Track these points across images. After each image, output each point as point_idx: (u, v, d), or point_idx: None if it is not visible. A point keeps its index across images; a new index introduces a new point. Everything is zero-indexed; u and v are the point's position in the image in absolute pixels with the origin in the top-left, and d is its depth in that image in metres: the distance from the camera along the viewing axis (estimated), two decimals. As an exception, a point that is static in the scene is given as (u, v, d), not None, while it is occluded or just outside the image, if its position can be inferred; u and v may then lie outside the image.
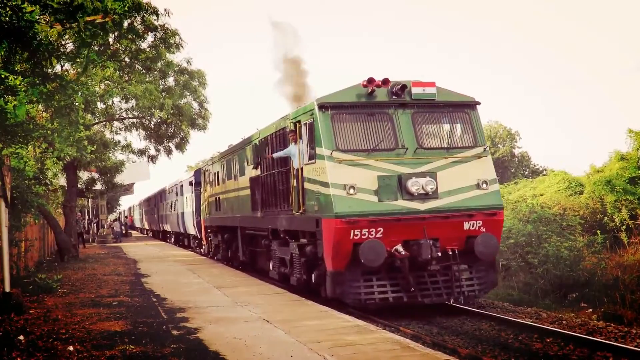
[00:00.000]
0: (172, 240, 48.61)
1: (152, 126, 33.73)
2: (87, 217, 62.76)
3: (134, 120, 33.65)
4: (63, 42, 13.60)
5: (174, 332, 11.29)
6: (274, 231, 18.19)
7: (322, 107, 14.11)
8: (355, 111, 14.33)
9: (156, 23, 32.25)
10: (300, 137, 15.29)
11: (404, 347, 9.58)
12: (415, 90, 14.42)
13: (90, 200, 58.56)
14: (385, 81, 14.41)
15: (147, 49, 31.48)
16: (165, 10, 31.71)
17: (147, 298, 16.22)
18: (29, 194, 17.53)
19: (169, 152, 35.36)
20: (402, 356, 8.99)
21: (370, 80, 14.22)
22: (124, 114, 33.37)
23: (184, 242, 42.85)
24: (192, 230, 36.16)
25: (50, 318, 13.23)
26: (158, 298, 16.07)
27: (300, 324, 11.62)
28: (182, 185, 39.25)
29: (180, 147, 35.03)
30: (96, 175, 37.93)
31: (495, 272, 15.26)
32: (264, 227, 19.19)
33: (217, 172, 26.87)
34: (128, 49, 29.29)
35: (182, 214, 39.01)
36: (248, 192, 20.94)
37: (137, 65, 30.60)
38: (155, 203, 56.92)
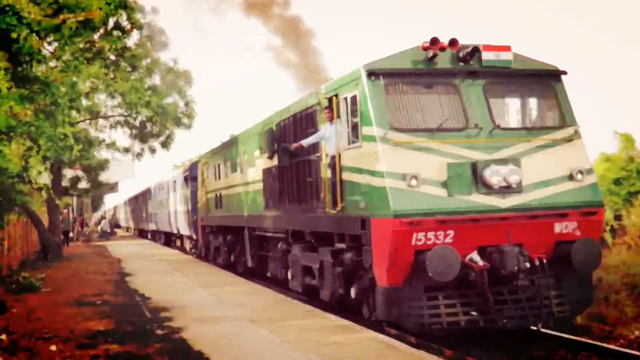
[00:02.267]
0: (162, 240, 46.35)
1: (137, 124, 33.79)
2: (71, 215, 62.51)
3: (119, 118, 33.66)
4: (47, 42, 13.58)
5: (158, 332, 11.30)
6: (296, 233, 14.98)
7: (372, 74, 10.75)
8: (413, 80, 10.99)
9: (142, 21, 32.39)
10: (339, 116, 12.04)
11: (389, 346, 9.62)
12: (486, 56, 11.12)
13: (75, 198, 58.29)
14: (453, 42, 11.00)
15: (133, 47, 31.60)
16: (152, 8, 32.16)
17: (131, 297, 16.22)
18: (12, 192, 17.45)
19: (153, 150, 35.37)
20: (386, 355, 9.03)
21: (434, 41, 10.83)
22: (109, 112, 33.41)
23: (175, 242, 40.21)
24: (185, 230, 33.13)
25: (33, 317, 13.22)
26: (142, 297, 16.07)
27: (285, 323, 11.65)
28: (174, 181, 36.50)
29: (165, 145, 35.15)
30: (81, 173, 37.77)
31: (591, 288, 11.60)
32: (282, 228, 15.99)
33: (219, 165, 23.27)
34: (114, 46, 29.32)
35: (175, 212, 36.01)
36: (259, 186, 17.59)
37: (122, 63, 30.73)
38: (143, 201, 56.62)
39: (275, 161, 15.89)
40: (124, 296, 16.43)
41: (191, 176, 29.26)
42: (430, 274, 9.57)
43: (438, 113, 10.83)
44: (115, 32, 27.83)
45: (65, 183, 37.03)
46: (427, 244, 9.90)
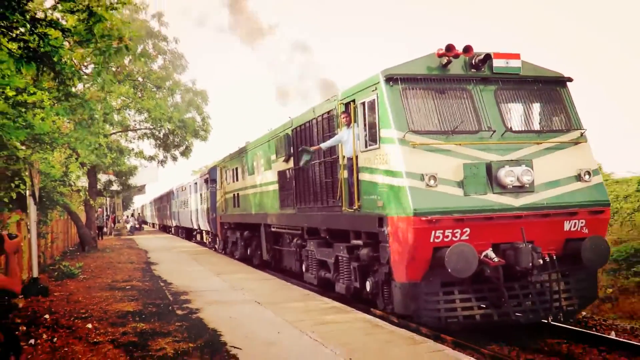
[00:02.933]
0: (184, 235, 45.34)
1: (161, 136, 34.03)
2: (105, 213, 62.51)
3: (146, 130, 33.88)
4: (85, 64, 13.60)
5: (178, 312, 11.32)
6: (311, 230, 14.15)
7: (390, 79, 9.98)
8: (429, 85, 10.15)
9: (166, 48, 32.79)
10: (356, 120, 11.18)
11: (374, 325, 9.66)
12: (497, 63, 10.46)
13: (108, 198, 58.32)
14: (467, 49, 10.28)
15: (158, 70, 31.98)
16: (174, 38, 32.56)
17: (155, 283, 16.22)
18: (55, 194, 17.50)
19: (175, 158, 35.56)
20: (372, 333, 9.07)
21: (449, 48, 10.12)
22: (137, 125, 33.61)
23: (196, 237, 39.44)
24: (205, 226, 31.94)
25: (72, 300, 13.24)
26: (165, 283, 16.07)
27: (287, 305, 11.68)
28: (195, 183, 35.43)
29: (185, 154, 35.46)
30: (113, 178, 38.03)
31: (596, 283, 10.81)
32: (297, 225, 15.01)
33: (236, 168, 22.27)
34: (141, 70, 29.64)
35: (196, 210, 34.93)
36: (275, 187, 16.69)
37: (148, 84, 31.07)
38: (166, 201, 56.54)
39: (290, 164, 15.17)
40: (150, 282, 16.44)
41: (211, 179, 28.37)
42: (449, 270, 8.77)
43: (452, 116, 10.07)
44: (142, 58, 28.07)
45: (99, 186, 37.14)
46: (444, 241, 9.18)
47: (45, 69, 8.29)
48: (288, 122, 15.41)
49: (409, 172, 9.41)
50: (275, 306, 11.56)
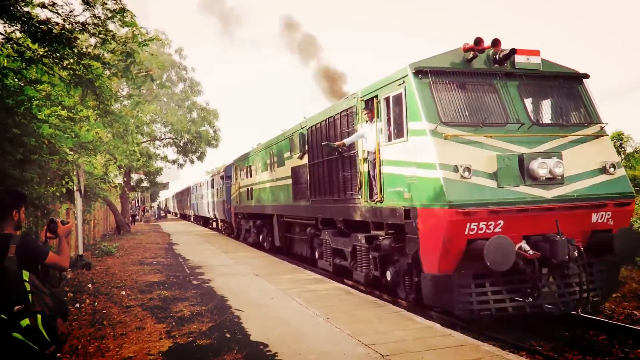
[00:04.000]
0: (201, 223, 42.63)
1: (182, 144, 34.49)
2: (137, 204, 62.07)
3: (169, 140, 34.23)
4: (121, 88, 13.49)
5: (194, 282, 11.27)
6: (325, 220, 12.14)
7: (419, 72, 8.16)
8: (456, 79, 8.37)
9: (185, 76, 33.11)
10: (378, 115, 9.28)
11: (347, 292, 9.66)
12: (518, 59, 8.74)
13: (139, 193, 57.92)
14: (496, 42, 8.56)
15: (179, 93, 32.38)
16: (192, 67, 33.19)
17: (176, 259, 16.13)
18: (97, 189, 17.38)
19: (192, 161, 35.95)
20: (345, 298, 9.09)
21: (478, 41, 8.36)
22: (162, 136, 33.89)
23: (212, 224, 37.18)
24: (221, 215, 29.76)
25: (110, 272, 13.13)
26: (184, 259, 15.98)
27: (279, 277, 11.64)
28: (212, 180, 32.95)
29: (200, 158, 36.20)
30: (143, 177, 37.92)
31: (618, 275, 8.85)
32: (311, 216, 12.95)
33: (250, 166, 20.18)
34: (166, 92, 29.84)
35: (213, 202, 32.58)
36: (288, 182, 14.64)
37: (171, 104, 31.43)
38: (186, 195, 56.22)
39: (305, 160, 13.12)
40: (171, 258, 16.35)
41: (226, 175, 26.75)
42: (488, 263, 6.95)
43: (480, 109, 8.28)
44: (167, 84, 28.26)
45: (132, 183, 37.05)
46: (478, 234, 7.41)
47: (89, 92, 8.24)
48: (303, 122, 13.41)
49: (442, 163, 7.55)
50: (269, 277, 11.54)
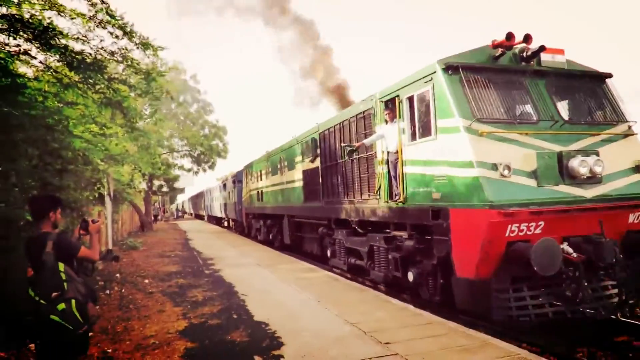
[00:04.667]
0: (214, 222, 40.35)
1: (195, 155, 34.61)
2: (158, 206, 61.85)
3: (185, 152, 34.38)
4: (145, 107, 13.49)
5: (206, 272, 11.26)
6: (338, 220, 10.70)
7: (450, 68, 6.82)
8: (487, 75, 6.94)
9: (199, 97, 33.31)
10: (400, 115, 7.80)
11: (335, 279, 9.67)
12: (544, 57, 7.37)
13: (160, 196, 57.78)
14: (527, 37, 7.12)
15: (193, 112, 32.51)
16: (204, 90, 33.49)
17: (191, 252, 16.09)
18: (124, 193, 17.33)
19: (204, 170, 36.10)
20: (334, 284, 9.09)
21: (510, 36, 6.99)
22: (179, 148, 34.13)
23: (223, 223, 35.14)
24: (233, 215, 28.28)
25: (135, 264, 13.09)
26: (197, 252, 15.95)
27: (278, 267, 11.64)
28: (224, 184, 31.34)
29: (211, 167, 36.30)
30: (163, 183, 37.93)
31: None
32: (323, 216, 11.55)
33: (260, 170, 18.75)
34: (183, 112, 29.95)
35: (225, 204, 31.16)
36: (299, 184, 13.30)
37: (187, 121, 31.51)
38: (199, 198, 55.97)
39: (316, 163, 11.78)
40: (187, 252, 16.31)
41: (237, 179, 25.46)
42: (535, 267, 5.62)
43: (512, 106, 6.87)
44: (184, 103, 28.25)
45: (154, 188, 37.04)
46: (518, 235, 5.95)
47: (117, 111, 8.27)
48: (314, 127, 12.00)
49: (480, 161, 6.13)
50: (270, 267, 11.55)
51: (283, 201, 15.22)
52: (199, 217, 59.83)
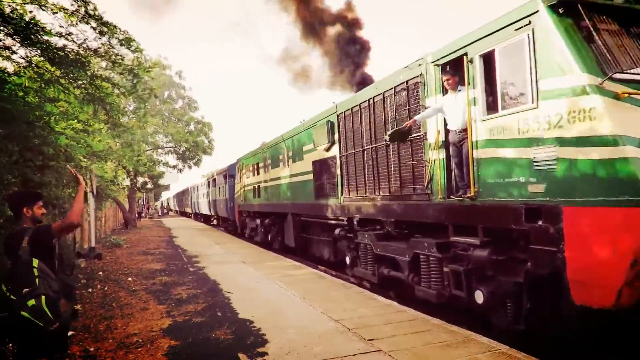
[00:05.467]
0: (202, 220, 38.19)
1: (181, 152, 34.26)
2: (142, 203, 61.13)
3: (170, 148, 34.03)
4: (128, 104, 13.32)
5: (191, 269, 11.17)
6: (363, 220, 8.73)
7: (562, 5, 4.56)
8: (613, 16, 4.65)
9: (184, 94, 33.02)
10: (469, 81, 5.73)
11: (320, 276, 9.67)
12: None
13: (144, 193, 57.12)
14: None
15: (178, 109, 32.25)
16: (189, 87, 33.35)
17: (175, 250, 15.94)
18: (107, 190, 17.10)
19: (190, 167, 35.83)
20: (319, 282, 9.07)
21: None
22: (164, 145, 33.77)
23: (213, 222, 33.20)
24: (223, 213, 25.51)
25: (118, 262, 12.92)
26: (182, 250, 15.81)
27: (263, 264, 11.61)
28: (214, 179, 28.41)
29: (197, 164, 36.12)
30: (148, 180, 37.50)
31: None
32: (342, 215, 9.46)
33: (257, 164, 16.49)
34: (168, 109, 29.70)
35: (215, 200, 28.40)
36: (307, 177, 11.34)
37: (172, 118, 31.24)
38: (184, 195, 55.47)
39: (333, 151, 9.76)
40: (172, 249, 16.15)
41: (229, 174, 22.76)
42: None
43: None
44: (168, 100, 28.00)
45: (138, 185, 36.67)
46: None
47: (99, 108, 8.14)
48: (331, 109, 9.90)
49: (630, 136, 4.01)
50: (255, 265, 11.50)
51: (286, 197, 13.22)
52: (184, 214, 59.34)
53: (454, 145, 6.14)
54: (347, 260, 9.54)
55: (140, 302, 7.77)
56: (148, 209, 62.08)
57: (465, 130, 5.88)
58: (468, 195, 5.76)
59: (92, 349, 5.37)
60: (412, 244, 7.06)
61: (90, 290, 8.78)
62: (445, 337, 5.33)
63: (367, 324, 5.89)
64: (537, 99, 4.84)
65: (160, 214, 61.33)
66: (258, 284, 8.98)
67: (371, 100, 8.15)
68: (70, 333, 5.65)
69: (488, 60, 5.52)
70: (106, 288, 9.02)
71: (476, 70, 5.69)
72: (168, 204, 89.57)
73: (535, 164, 4.85)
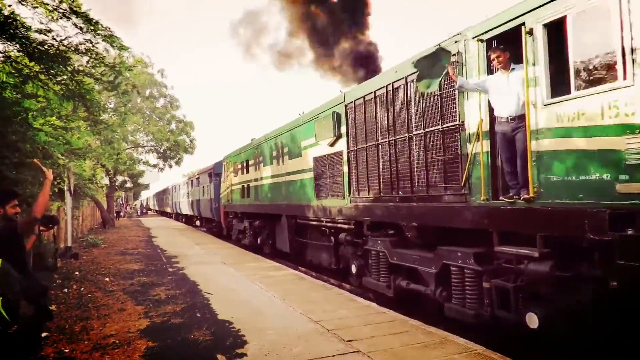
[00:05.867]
0: (184, 220, 36.47)
1: (162, 151, 33.83)
2: (121, 202, 60.13)
3: (151, 147, 33.61)
4: (109, 101, 13.13)
5: (170, 269, 11.04)
6: (375, 224, 7.65)
7: None
8: None
9: (166, 92, 32.67)
10: (528, 58, 4.59)
11: (300, 278, 9.65)
12: None
13: (123, 192, 56.22)
14: None
15: (160, 107, 31.93)
16: (171, 86, 33.10)
17: (154, 250, 15.72)
18: (85, 188, 16.78)
19: (170, 166, 35.40)
20: (299, 283, 9.06)
21: None
22: (145, 143, 33.38)
23: (195, 223, 31.77)
24: (207, 214, 23.89)
25: (95, 262, 12.68)
26: (161, 250, 15.60)
27: (244, 265, 11.54)
28: (198, 178, 26.81)
29: (178, 163, 35.61)
30: (127, 178, 36.93)
31: None
32: (350, 218, 8.32)
33: (247, 161, 15.12)
34: (149, 107, 29.39)
35: (198, 200, 26.70)
36: (306, 175, 10.13)
37: (153, 116, 30.91)
38: (164, 194, 54.73)
39: (339, 146, 8.58)
40: (151, 249, 15.93)
41: (215, 173, 21.34)
42: None
43: None
44: (150, 98, 27.68)
45: (118, 183, 36.10)
46: None
47: (79, 104, 8.00)
48: (337, 98, 8.79)
49: None
50: (235, 265, 11.43)
51: (281, 197, 11.94)
52: (164, 214, 58.55)
53: (504, 136, 5.04)
54: (353, 268, 8.41)
55: (118, 303, 7.64)
56: (127, 207, 61.16)
57: (519, 117, 4.84)
58: (524, 196, 4.69)
59: (67, 350, 5.27)
60: (440, 253, 6.03)
61: (65, 290, 8.60)
62: (423, 338, 5.39)
63: (346, 325, 5.92)
64: (633, 75, 3.78)
65: (139, 213, 60.45)
66: (238, 284, 8.92)
67: (389, 86, 6.96)
68: (43, 334, 5.53)
69: (555, 30, 4.44)
70: (82, 288, 8.85)
71: (538, 43, 4.57)
72: (147, 203, 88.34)
73: (628, 157, 3.75)
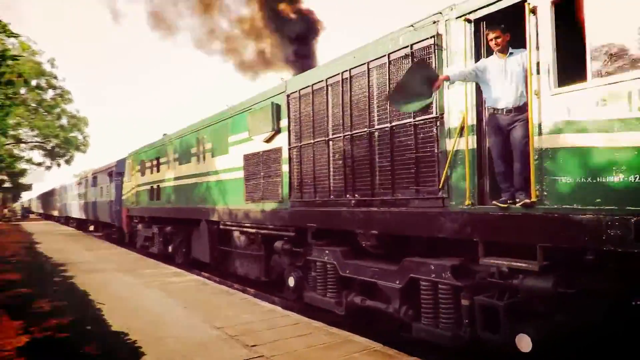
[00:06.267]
0: (75, 225, 32.37)
1: (49, 148, 30.73)
2: (-3, 204, 53.55)
3: (36, 143, 30.40)
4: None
5: (56, 279, 10.06)
6: (321, 231, 6.69)
7: None
8: None
9: (56, 84, 29.89)
10: (531, 41, 3.89)
11: (203, 284, 9.39)
12: None
13: (1, 193, 50.15)
14: None
15: (49, 99, 29.20)
16: (63, 78, 30.23)
17: (38, 257, 14.20)
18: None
19: (59, 165, 32.32)
20: (202, 289, 8.80)
21: None
22: (29, 139, 30.09)
23: (89, 227, 28.55)
24: (106, 218, 21.13)
25: (-37, 272, 11.08)
26: (46, 257, 14.14)
27: (142, 271, 10.92)
28: (94, 177, 23.93)
29: (68, 162, 32.46)
30: (6, 178, 33.01)
31: None
32: (291, 223, 7.17)
33: (158, 158, 13.32)
34: (35, 98, 26.64)
35: (93, 203, 24.06)
36: (236, 175, 8.84)
37: (40, 109, 28.10)
38: (50, 196, 49.65)
39: (278, 142, 7.48)
40: (33, 257, 14.36)
41: (117, 172, 18.90)
42: None
43: None
44: (35, 90, 25.12)
45: (-7, 184, 32.15)
46: None
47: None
48: (277, 87, 7.65)
49: None
50: (132, 272, 10.75)
51: (200, 200, 10.49)
52: (49, 217, 53.18)
53: (498, 130, 4.37)
54: (291, 281, 7.39)
55: (-10, 318, 6.76)
56: (4, 210, 54.54)
57: (517, 109, 4.27)
58: (523, 201, 4.04)
59: None
60: (407, 265, 5.26)
61: None
62: (326, 339, 5.51)
63: (250, 330, 5.85)
64: None
65: (20, 216, 54.14)
66: (135, 293, 8.40)
67: (346, 73, 6.08)
68: None
69: (566, 8, 3.87)
70: (-55, 303, 7.69)
71: (545, 24, 3.91)
72: (30, 205, 79.68)
73: None
